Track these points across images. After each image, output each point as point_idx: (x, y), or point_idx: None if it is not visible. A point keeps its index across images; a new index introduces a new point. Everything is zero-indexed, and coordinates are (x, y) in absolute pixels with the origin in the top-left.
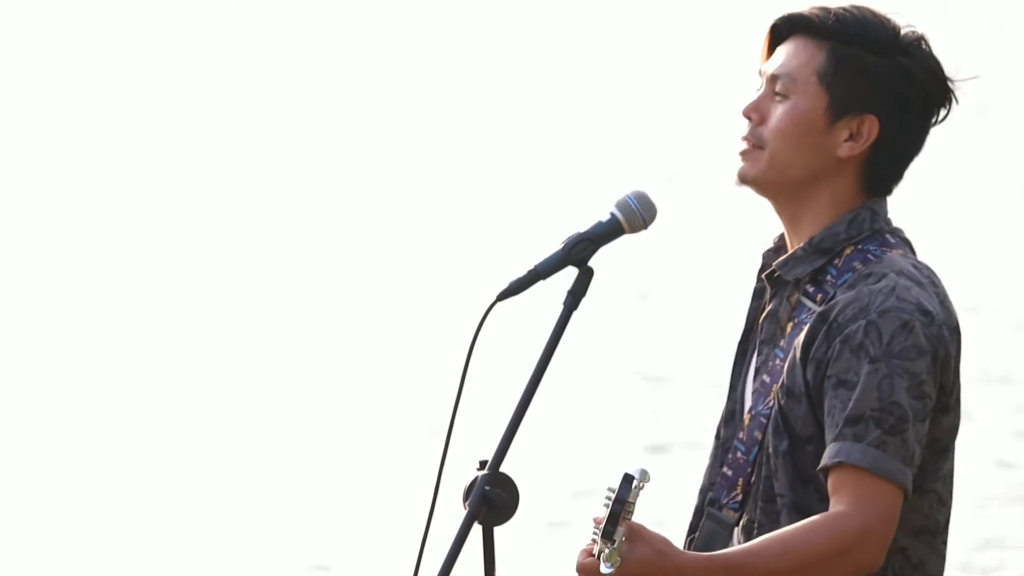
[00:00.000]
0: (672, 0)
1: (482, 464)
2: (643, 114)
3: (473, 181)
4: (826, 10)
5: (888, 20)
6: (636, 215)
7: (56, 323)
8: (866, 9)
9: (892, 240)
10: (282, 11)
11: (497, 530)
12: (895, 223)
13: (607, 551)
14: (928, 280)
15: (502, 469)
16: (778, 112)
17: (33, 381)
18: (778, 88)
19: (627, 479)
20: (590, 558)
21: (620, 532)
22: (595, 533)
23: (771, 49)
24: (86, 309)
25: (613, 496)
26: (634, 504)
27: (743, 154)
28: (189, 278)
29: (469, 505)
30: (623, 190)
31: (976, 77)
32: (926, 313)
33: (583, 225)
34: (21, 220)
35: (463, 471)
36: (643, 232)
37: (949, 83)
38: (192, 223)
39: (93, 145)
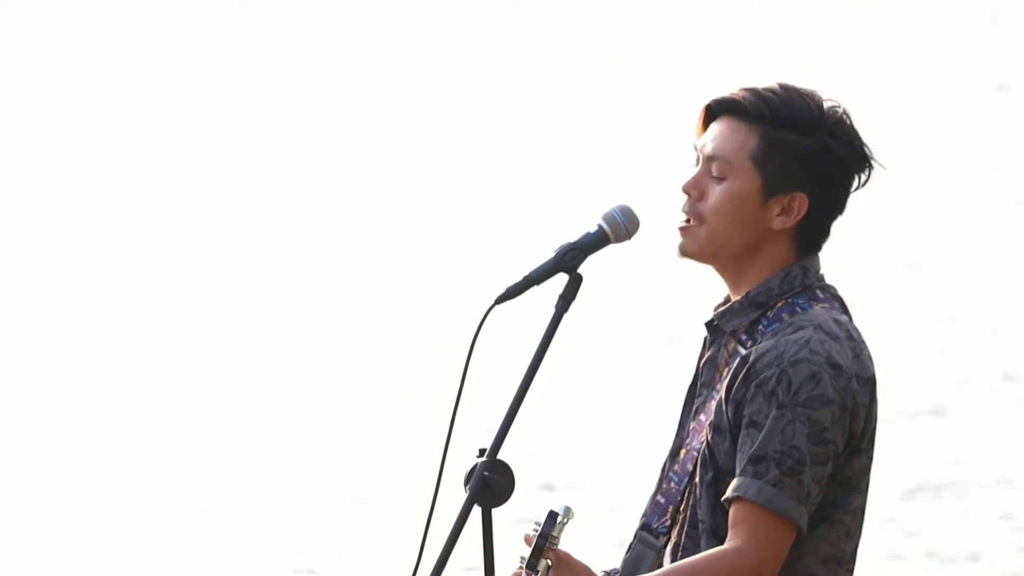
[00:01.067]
0: (672, 5)
1: (481, 452)
2: (642, 114)
3: (471, 183)
4: (756, 93)
5: (813, 98)
6: (621, 227)
7: (52, 322)
8: (792, 90)
9: (821, 295)
10: (282, 11)
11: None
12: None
13: None
14: (845, 335)
15: (499, 457)
16: (716, 192)
17: (28, 378)
18: (715, 170)
19: (551, 516)
20: None
21: (543, 564)
22: (521, 559)
23: (705, 124)
24: (82, 308)
25: (539, 530)
26: (558, 537)
27: (682, 230)
28: (187, 279)
29: (470, 489)
30: (617, 197)
31: (884, 168)
32: (835, 366)
33: (573, 235)
34: (21, 220)
35: (463, 460)
36: (627, 243)
37: (866, 153)
38: (192, 222)
39: (93, 145)
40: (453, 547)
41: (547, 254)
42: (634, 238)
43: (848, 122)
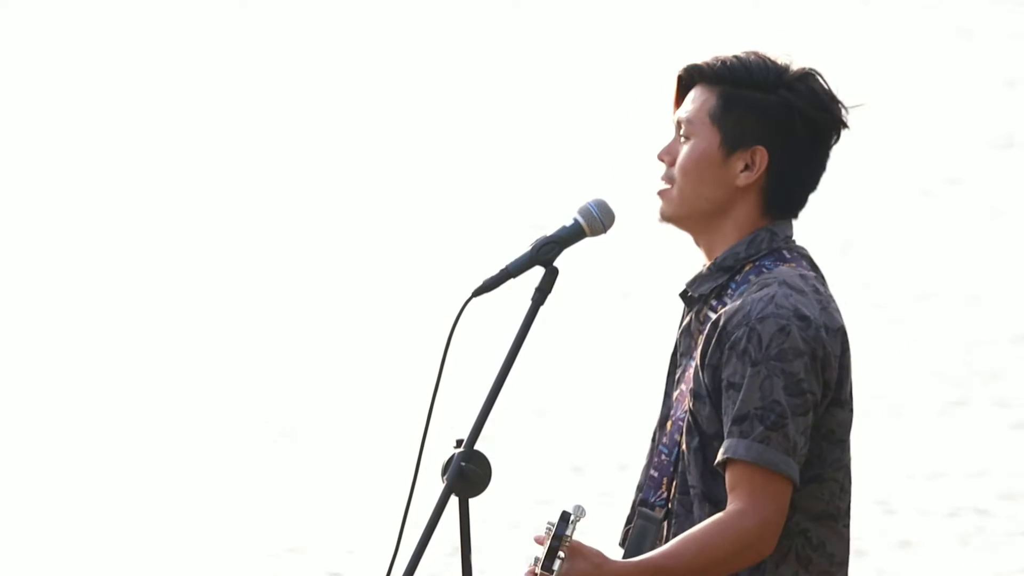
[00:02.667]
0: (672, 6)
1: (459, 442)
2: (641, 115)
3: (452, 178)
4: (717, 58)
5: (773, 60)
6: (596, 220)
7: (48, 320)
8: (753, 53)
9: (788, 255)
10: (282, 11)
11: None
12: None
13: None
14: (811, 288)
15: (476, 447)
16: (682, 152)
17: (20, 376)
18: (682, 132)
19: (564, 516)
20: None
21: (558, 564)
22: (535, 560)
23: (679, 97)
24: (77, 306)
25: (552, 531)
26: (571, 537)
27: (660, 194)
28: (169, 274)
29: (447, 479)
30: (598, 193)
31: (862, 104)
32: (803, 318)
33: (549, 229)
34: (21, 220)
35: (440, 451)
36: (603, 236)
37: (834, 112)
38: (183, 219)
39: (93, 145)
40: (430, 537)
41: (524, 247)
42: (609, 232)
43: (815, 80)
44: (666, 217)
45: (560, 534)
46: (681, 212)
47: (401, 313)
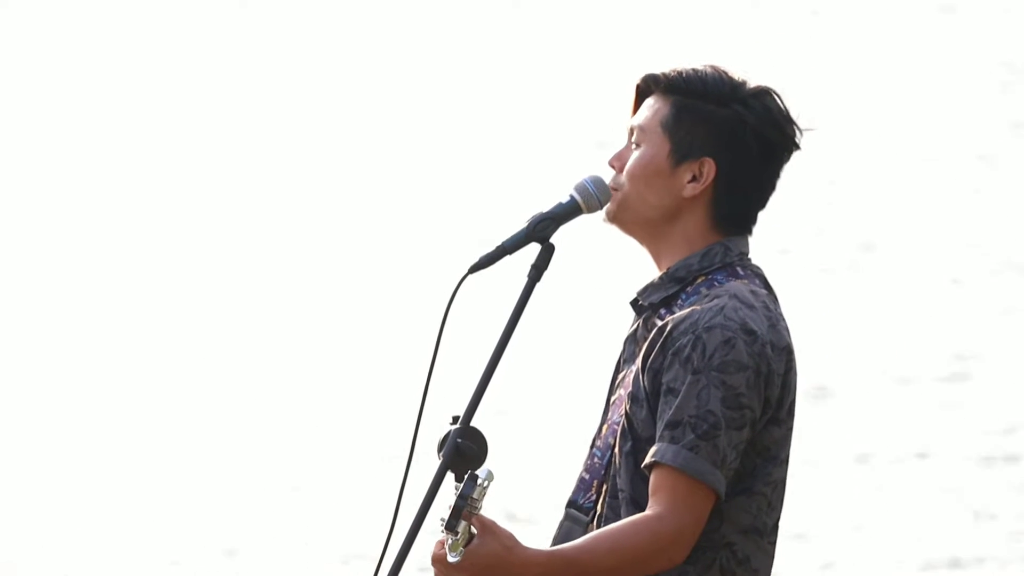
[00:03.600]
0: (671, 7)
1: (455, 419)
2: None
3: (449, 160)
4: (674, 68)
5: (730, 75)
6: (592, 197)
7: (43, 320)
8: (711, 66)
9: (741, 272)
10: (282, 11)
11: None
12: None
13: (450, 541)
14: (762, 305)
15: (472, 424)
16: (631, 158)
17: (12, 375)
18: (634, 139)
19: (472, 478)
20: (442, 549)
21: (463, 526)
22: (441, 519)
23: (637, 105)
24: (74, 305)
25: (459, 491)
26: (479, 500)
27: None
28: (162, 269)
29: (443, 455)
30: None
31: (812, 129)
32: (750, 332)
33: (545, 206)
34: (21, 220)
35: (436, 427)
36: (598, 213)
37: (787, 130)
38: (178, 218)
39: (93, 145)
40: (427, 513)
41: (520, 224)
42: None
43: (770, 98)
44: (612, 219)
45: (466, 494)
46: (626, 216)
47: (398, 290)
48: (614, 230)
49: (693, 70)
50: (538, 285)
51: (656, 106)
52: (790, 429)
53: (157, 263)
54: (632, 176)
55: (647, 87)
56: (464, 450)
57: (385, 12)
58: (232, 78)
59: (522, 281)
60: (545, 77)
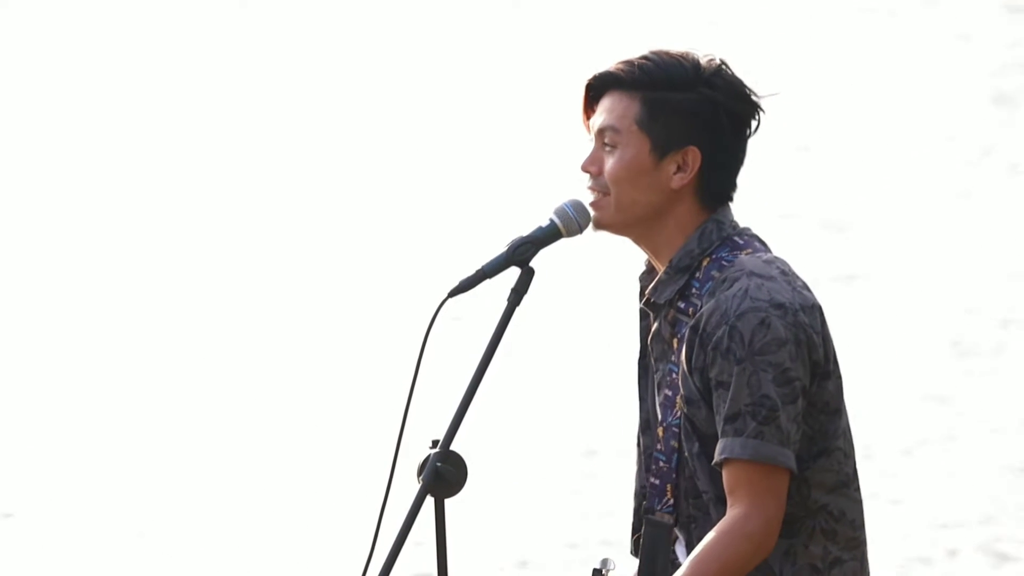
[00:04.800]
0: (670, 8)
1: (434, 443)
2: None
3: (433, 179)
4: (630, 63)
5: (686, 57)
6: (572, 221)
7: (40, 319)
8: (663, 52)
9: (740, 241)
10: (282, 11)
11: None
12: (745, 222)
13: None
14: (779, 272)
15: (452, 448)
16: (611, 162)
17: (18, 376)
18: (607, 140)
19: (596, 574)
20: None
21: None
22: None
23: (588, 104)
24: (73, 305)
25: None
26: None
27: (593, 204)
28: (155, 269)
29: (423, 480)
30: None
31: (776, 94)
32: (779, 306)
33: (525, 229)
34: (21, 220)
35: (416, 452)
36: (579, 237)
37: (753, 99)
38: (169, 219)
39: (93, 145)
40: (406, 537)
41: (500, 248)
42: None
43: (727, 71)
44: (603, 225)
45: None
46: (618, 220)
47: (377, 314)
48: (597, 240)
49: (649, 61)
50: (518, 309)
51: (622, 104)
52: (839, 377)
53: (151, 262)
54: (617, 179)
55: (601, 86)
56: (444, 474)
57: (385, 12)
58: (232, 78)
59: (502, 305)
60: (545, 77)
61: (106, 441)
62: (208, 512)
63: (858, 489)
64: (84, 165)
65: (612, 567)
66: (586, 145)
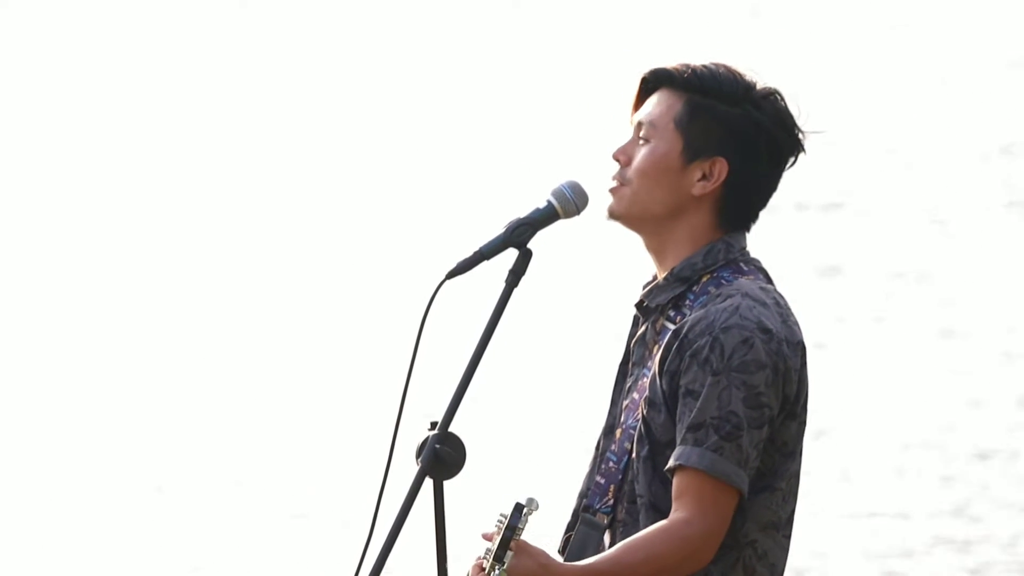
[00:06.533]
0: (670, 8)
1: (433, 425)
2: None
3: (430, 165)
4: (687, 65)
5: (742, 75)
6: (570, 202)
7: (39, 319)
8: (723, 65)
9: (745, 268)
10: (282, 11)
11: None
12: (754, 253)
13: (497, 571)
14: (773, 302)
15: (451, 430)
16: (640, 154)
17: (18, 376)
18: (642, 133)
19: (518, 508)
20: (481, 573)
21: (509, 555)
22: (487, 552)
23: (640, 97)
24: (72, 305)
25: (505, 523)
26: (523, 529)
27: (611, 191)
28: (152, 268)
29: (421, 461)
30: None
31: (823, 131)
32: (766, 331)
33: (523, 211)
34: (21, 220)
35: (414, 433)
36: (576, 218)
37: (796, 133)
38: (166, 219)
39: (93, 145)
40: (405, 519)
41: (497, 229)
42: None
43: (779, 100)
44: (616, 215)
45: (514, 525)
46: (632, 212)
47: (375, 296)
48: (602, 233)
49: (706, 68)
50: (516, 290)
51: (667, 102)
52: (803, 423)
53: (148, 261)
54: (642, 172)
55: (655, 81)
56: (443, 456)
57: (385, 12)
58: (232, 78)
59: (500, 286)
60: (545, 77)
61: (97, 450)
62: (206, 503)
63: (788, 536)
64: (84, 165)
65: (536, 507)
66: (592, 137)
